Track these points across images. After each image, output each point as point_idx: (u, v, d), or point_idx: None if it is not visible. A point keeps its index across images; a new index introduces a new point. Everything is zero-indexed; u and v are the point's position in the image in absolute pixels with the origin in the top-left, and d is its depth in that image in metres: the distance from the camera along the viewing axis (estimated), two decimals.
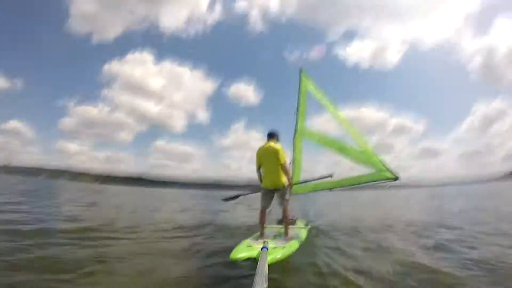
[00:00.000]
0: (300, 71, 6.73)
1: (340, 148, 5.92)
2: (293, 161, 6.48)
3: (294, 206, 8.27)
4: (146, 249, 4.88)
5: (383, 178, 5.33)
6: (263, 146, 5.07)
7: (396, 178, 5.24)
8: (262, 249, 3.34)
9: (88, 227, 6.29)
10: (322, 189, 6.32)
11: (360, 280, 3.41)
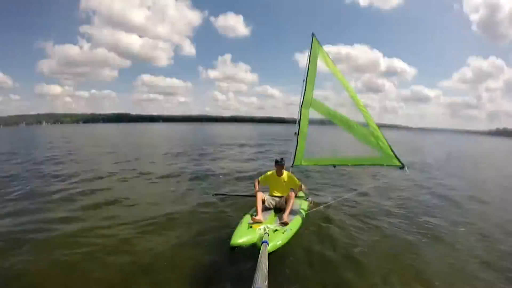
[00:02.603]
0: (312, 36, 6.14)
1: (348, 125, 5.78)
2: (299, 132, 6.24)
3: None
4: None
5: (390, 164, 5.40)
6: (276, 175, 5.36)
7: (402, 167, 5.29)
8: (262, 243, 3.35)
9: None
10: (326, 165, 6.34)
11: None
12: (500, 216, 6.35)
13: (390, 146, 5.38)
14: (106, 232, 4.88)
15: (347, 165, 6.10)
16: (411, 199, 7.36)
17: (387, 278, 3.58)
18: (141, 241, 4.58)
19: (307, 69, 6.22)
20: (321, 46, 6.19)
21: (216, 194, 6.51)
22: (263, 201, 4.90)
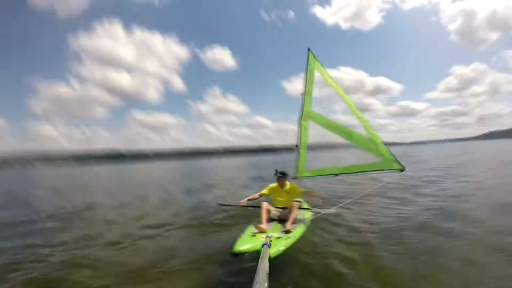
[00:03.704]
0: (308, 51, 6.42)
1: (346, 133, 5.89)
2: (299, 143, 6.36)
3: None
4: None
5: (390, 169, 5.41)
6: (279, 187, 5.39)
7: (402, 170, 5.33)
8: (263, 246, 3.37)
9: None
10: (328, 175, 6.27)
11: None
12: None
13: (389, 150, 5.46)
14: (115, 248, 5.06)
15: (349, 173, 6.02)
16: (409, 204, 7.37)
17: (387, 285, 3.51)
18: (143, 245, 4.88)
19: (304, 83, 6.45)
20: (317, 60, 6.45)
21: (220, 204, 6.44)
22: (268, 211, 4.90)
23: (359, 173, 5.93)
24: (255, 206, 5.43)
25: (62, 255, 4.89)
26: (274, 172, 5.41)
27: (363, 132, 5.74)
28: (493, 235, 4.69)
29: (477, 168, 16.45)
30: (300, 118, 6.44)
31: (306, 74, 6.49)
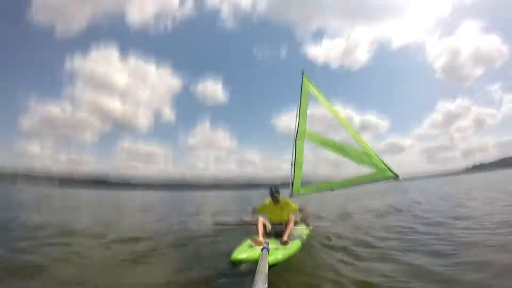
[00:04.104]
0: (302, 73, 6.69)
1: (341, 149, 5.97)
2: (295, 162, 6.40)
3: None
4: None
5: (385, 178, 5.45)
6: (273, 203, 5.29)
7: (396, 177, 5.36)
8: (262, 249, 3.38)
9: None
10: (325, 190, 6.29)
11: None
12: None
13: (382, 160, 5.52)
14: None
15: (345, 186, 6.03)
16: (405, 218, 7.41)
17: None
18: (140, 265, 4.44)
19: (299, 104, 6.66)
20: (311, 82, 6.78)
21: (216, 224, 6.19)
22: (264, 226, 4.84)
23: (355, 186, 5.94)
24: (251, 224, 5.35)
25: None
26: (269, 190, 5.31)
27: (356, 146, 5.87)
28: None
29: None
30: (295, 139, 6.54)
31: (301, 95, 6.73)
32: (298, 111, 6.66)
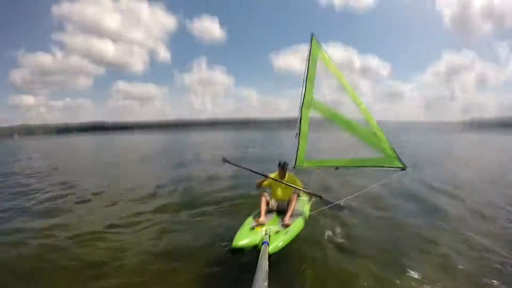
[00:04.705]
0: (311, 36, 6.04)
1: (349, 125, 5.69)
2: (300, 132, 6.14)
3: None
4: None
5: (392, 166, 5.29)
6: (279, 177, 5.31)
7: (404, 168, 5.21)
8: (263, 244, 3.38)
9: None
10: (328, 166, 6.17)
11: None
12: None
13: (391, 147, 5.32)
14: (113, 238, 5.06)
15: (349, 166, 5.92)
16: (411, 199, 7.36)
17: (384, 279, 3.62)
18: (140, 241, 4.73)
19: (306, 69, 6.09)
20: (321, 46, 6.07)
21: (225, 161, 5.73)
22: (267, 203, 4.87)
23: (359, 168, 5.86)
24: (262, 175, 5.35)
25: None
26: (278, 164, 5.33)
27: (365, 125, 5.55)
28: None
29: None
30: (301, 106, 6.13)
31: (308, 60, 6.10)
32: (305, 77, 6.09)
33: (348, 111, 5.80)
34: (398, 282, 3.56)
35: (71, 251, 4.63)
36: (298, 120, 6.18)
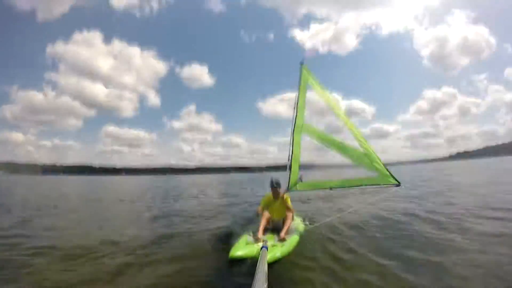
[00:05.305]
0: (301, 64, 6.28)
1: (340, 147, 5.68)
2: (292, 156, 6.11)
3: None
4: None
5: (386, 183, 5.29)
6: (273, 198, 5.24)
7: (398, 184, 5.22)
8: (261, 248, 3.37)
9: None
10: (323, 188, 6.04)
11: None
12: None
13: (385, 166, 5.35)
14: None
15: (344, 187, 5.77)
16: (400, 218, 7.10)
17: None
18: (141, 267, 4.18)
19: (297, 96, 6.29)
20: (311, 73, 6.35)
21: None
22: (268, 222, 4.90)
23: (354, 187, 5.76)
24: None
25: None
26: (270, 184, 5.23)
27: (357, 146, 5.60)
28: None
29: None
30: (293, 132, 6.25)
31: (299, 88, 6.34)
32: (296, 104, 6.31)
33: (340, 134, 5.93)
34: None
35: None
36: (290, 146, 6.22)
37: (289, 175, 6.19)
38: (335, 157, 5.86)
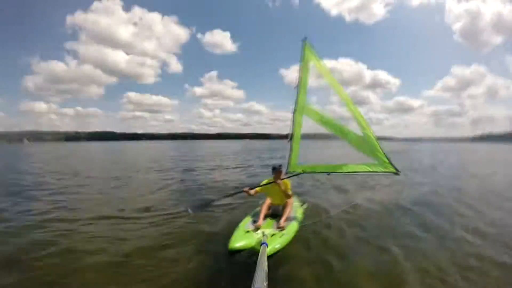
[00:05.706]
0: (303, 41, 6.01)
1: (341, 131, 5.60)
2: (292, 137, 6.07)
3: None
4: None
5: (385, 171, 5.25)
6: (274, 182, 5.14)
7: (397, 172, 5.18)
8: (261, 244, 3.35)
9: None
10: (320, 172, 6.05)
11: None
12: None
13: (385, 154, 5.24)
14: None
15: (342, 172, 5.65)
16: (400, 207, 7.25)
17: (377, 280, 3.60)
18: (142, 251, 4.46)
19: (299, 75, 6.05)
20: (314, 51, 5.99)
21: (193, 210, 5.24)
22: (268, 208, 4.95)
23: (352, 174, 5.66)
24: (238, 192, 5.36)
25: None
26: (271, 168, 5.26)
27: (358, 131, 5.43)
28: None
29: None
30: (294, 111, 6.10)
31: (301, 66, 6.07)
32: (298, 83, 6.07)
33: (341, 117, 5.72)
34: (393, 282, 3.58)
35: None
36: (291, 125, 6.12)
37: (289, 156, 6.13)
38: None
